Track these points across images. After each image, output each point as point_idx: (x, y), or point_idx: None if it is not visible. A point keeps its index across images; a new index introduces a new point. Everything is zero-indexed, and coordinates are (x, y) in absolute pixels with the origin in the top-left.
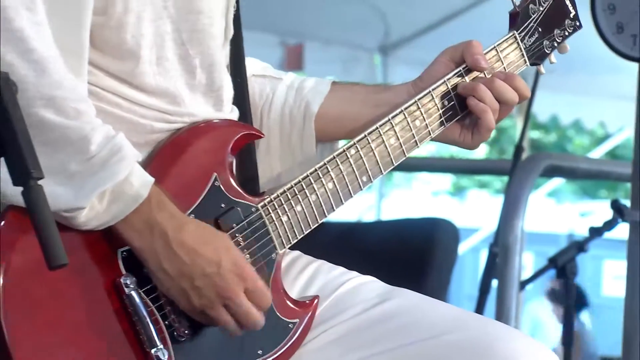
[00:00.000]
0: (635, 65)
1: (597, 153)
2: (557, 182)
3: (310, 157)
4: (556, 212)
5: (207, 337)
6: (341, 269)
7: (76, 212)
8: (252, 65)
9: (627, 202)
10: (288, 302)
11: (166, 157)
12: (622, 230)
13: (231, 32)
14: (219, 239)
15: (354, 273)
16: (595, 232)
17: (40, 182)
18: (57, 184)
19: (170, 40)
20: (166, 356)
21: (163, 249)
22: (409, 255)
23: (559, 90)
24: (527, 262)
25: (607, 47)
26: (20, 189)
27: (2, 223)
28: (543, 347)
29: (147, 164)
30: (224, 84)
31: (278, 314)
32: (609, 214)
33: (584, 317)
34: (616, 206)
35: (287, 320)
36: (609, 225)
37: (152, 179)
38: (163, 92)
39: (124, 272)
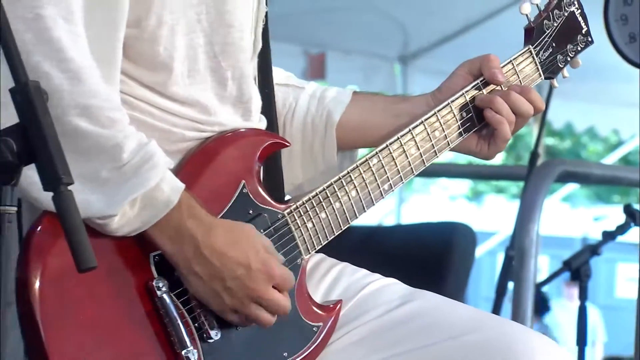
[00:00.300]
0: None
1: (611, 159)
2: (572, 187)
3: (332, 164)
4: (570, 217)
5: (234, 339)
6: (364, 271)
7: (108, 219)
8: (276, 75)
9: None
10: (312, 307)
11: (196, 164)
12: (635, 234)
13: (259, 45)
14: (246, 239)
15: (377, 275)
16: (609, 236)
17: (73, 189)
18: (90, 191)
19: (203, 53)
20: (196, 357)
21: (193, 254)
22: (428, 258)
23: (573, 98)
24: (542, 265)
25: (620, 56)
26: (51, 194)
27: (39, 228)
28: (559, 347)
29: (178, 171)
30: (252, 95)
31: (303, 317)
32: (622, 218)
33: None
34: (629, 211)
35: (311, 323)
36: (622, 229)
37: (183, 185)
38: (194, 102)
39: (155, 275)
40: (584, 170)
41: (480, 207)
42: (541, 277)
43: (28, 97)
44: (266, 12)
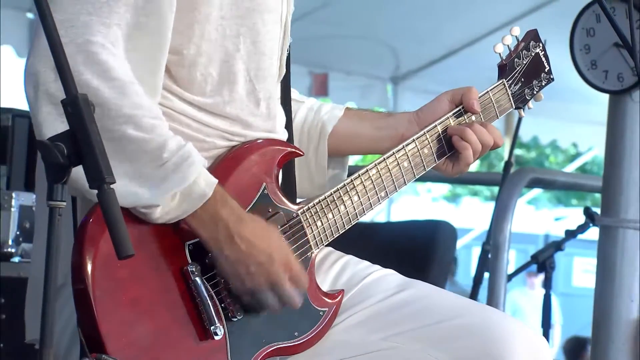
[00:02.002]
0: (605, 95)
1: (570, 168)
2: (536, 191)
3: (323, 168)
4: (534, 217)
5: (254, 319)
6: (366, 262)
7: (152, 208)
8: None
9: (597, 210)
10: (319, 294)
11: (226, 167)
12: (590, 233)
13: (284, 71)
14: (272, 233)
15: (377, 267)
16: (571, 234)
17: (124, 185)
18: (137, 186)
19: (242, 77)
20: (222, 332)
21: (225, 238)
22: (415, 251)
23: (539, 115)
24: (510, 258)
25: (583, 80)
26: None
27: (91, 219)
28: (532, 330)
29: (211, 172)
30: (277, 113)
31: (311, 303)
32: (581, 219)
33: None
34: (588, 213)
35: (318, 308)
36: (582, 228)
37: (216, 180)
38: (230, 117)
39: (190, 261)
40: (550, 177)
41: (458, 207)
42: (509, 269)
43: (78, 107)
44: (290, 43)
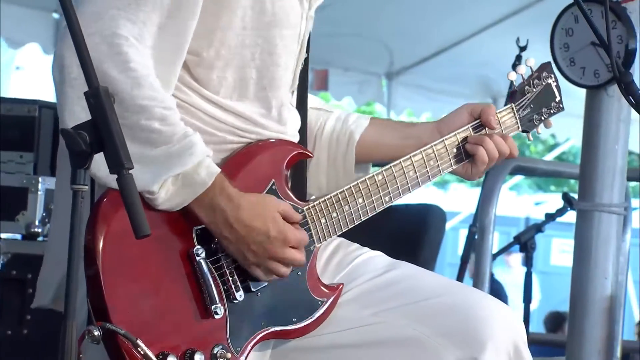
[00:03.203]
0: (582, 90)
1: (549, 157)
2: (518, 178)
3: (350, 174)
4: (516, 201)
5: (254, 302)
6: (356, 245)
7: (155, 194)
8: (313, 101)
9: (574, 195)
10: (320, 285)
11: (239, 162)
12: (568, 216)
13: (297, 82)
14: (267, 210)
15: (366, 249)
16: (550, 217)
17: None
18: (139, 169)
19: (254, 84)
20: (222, 312)
21: (224, 224)
22: (409, 232)
23: None
24: (494, 239)
25: (562, 76)
26: (115, 176)
27: (105, 199)
28: (508, 308)
29: (222, 166)
30: (288, 118)
31: (311, 293)
32: (559, 203)
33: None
34: (567, 198)
35: (317, 298)
36: (561, 212)
37: (218, 170)
38: (241, 115)
39: (196, 244)
40: (531, 165)
41: (446, 193)
42: (494, 249)
43: (99, 99)
44: (305, 58)
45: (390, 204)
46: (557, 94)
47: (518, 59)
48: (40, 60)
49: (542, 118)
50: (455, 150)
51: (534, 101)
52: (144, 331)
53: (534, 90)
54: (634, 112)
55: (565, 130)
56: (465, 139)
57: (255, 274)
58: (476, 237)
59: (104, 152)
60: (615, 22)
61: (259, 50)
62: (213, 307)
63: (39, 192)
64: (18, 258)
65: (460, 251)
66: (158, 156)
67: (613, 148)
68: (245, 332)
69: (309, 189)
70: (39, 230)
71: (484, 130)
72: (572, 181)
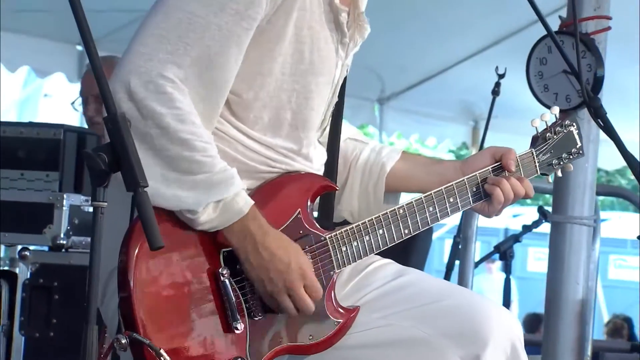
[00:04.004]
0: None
1: None
2: None
3: (379, 201)
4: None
5: (274, 320)
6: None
7: (196, 214)
8: (349, 130)
9: (548, 208)
10: (337, 308)
11: (269, 190)
12: (543, 227)
13: (327, 122)
14: (291, 246)
15: (377, 257)
16: (527, 228)
17: (172, 191)
18: (183, 192)
19: (288, 125)
20: (242, 327)
21: (252, 248)
22: (398, 244)
23: (500, 130)
24: (476, 248)
25: (537, 101)
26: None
27: (139, 222)
28: (507, 310)
29: (253, 193)
30: (315, 156)
31: (328, 314)
32: (535, 216)
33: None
34: (542, 211)
35: (334, 319)
36: (537, 224)
37: (252, 202)
38: (273, 148)
39: (222, 265)
40: None
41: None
42: (476, 257)
43: (117, 124)
44: (337, 102)
45: (410, 236)
46: (578, 140)
47: (497, 85)
48: (65, 88)
49: (562, 163)
50: (474, 189)
51: (554, 147)
52: (167, 342)
53: (555, 137)
54: (602, 133)
55: None
56: (485, 180)
57: (269, 304)
58: (460, 246)
59: (121, 171)
60: (584, 52)
61: (295, 95)
62: (234, 323)
63: (64, 208)
64: (45, 267)
65: (445, 259)
66: (199, 182)
67: (583, 166)
68: (263, 347)
69: (343, 213)
70: (64, 242)
71: (504, 173)
72: (547, 196)
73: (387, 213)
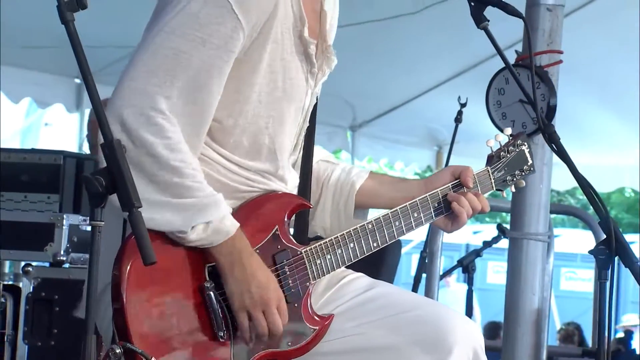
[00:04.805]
0: None
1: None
2: None
3: (350, 217)
4: (458, 231)
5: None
6: (342, 268)
7: (185, 234)
8: (321, 153)
9: (506, 225)
10: (313, 316)
11: (249, 210)
12: (501, 243)
13: (299, 147)
14: (271, 275)
15: (350, 271)
16: (487, 244)
17: (168, 217)
18: (173, 215)
19: (266, 148)
20: (226, 337)
21: (237, 262)
22: (370, 257)
23: (462, 154)
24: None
25: (496, 127)
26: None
27: (130, 240)
28: (469, 320)
29: (235, 212)
30: (290, 179)
31: (305, 322)
32: (494, 232)
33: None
34: (500, 228)
35: (310, 326)
36: (496, 240)
37: (238, 224)
38: (252, 170)
39: (207, 279)
40: None
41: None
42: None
43: (113, 149)
44: (308, 127)
45: (379, 249)
46: (529, 158)
47: (459, 113)
48: (64, 118)
49: (515, 179)
50: (436, 204)
51: (508, 165)
52: (158, 351)
53: (508, 155)
54: (555, 156)
55: None
56: (445, 196)
57: (239, 319)
58: (426, 260)
59: (117, 193)
60: (539, 83)
61: (271, 120)
62: (219, 332)
63: (64, 227)
64: (46, 282)
65: (413, 272)
66: (189, 205)
67: (538, 187)
68: (246, 354)
69: (316, 229)
70: (64, 258)
71: (462, 189)
72: (505, 214)
73: (357, 228)
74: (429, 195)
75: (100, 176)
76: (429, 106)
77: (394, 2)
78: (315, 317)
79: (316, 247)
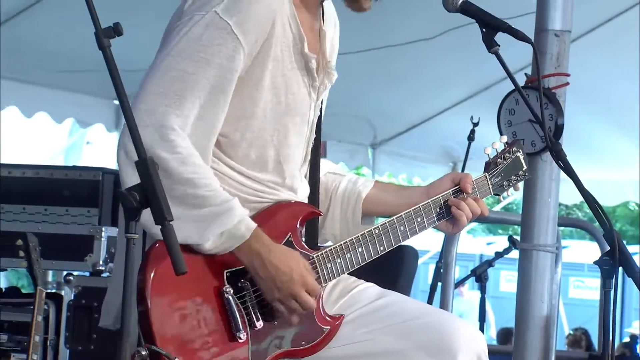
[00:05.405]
0: None
1: (497, 208)
2: (473, 224)
3: (357, 224)
4: (472, 241)
5: (272, 329)
6: (354, 278)
7: (202, 245)
8: (328, 165)
9: (517, 237)
10: (325, 316)
11: (264, 218)
12: (512, 254)
13: (308, 157)
14: (292, 257)
15: (361, 280)
16: (499, 254)
17: (177, 226)
18: (188, 227)
19: (272, 160)
20: (245, 336)
21: (259, 264)
22: (388, 267)
23: (475, 170)
24: (455, 271)
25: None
26: (159, 227)
27: (153, 248)
28: (473, 326)
29: (254, 219)
30: (299, 187)
31: (317, 322)
32: (506, 243)
33: None
34: (511, 239)
35: (322, 326)
36: (507, 251)
37: (255, 225)
38: (261, 182)
39: (226, 284)
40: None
41: (418, 235)
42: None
43: (146, 166)
44: (316, 138)
45: (385, 252)
46: (524, 164)
47: (472, 132)
48: (104, 137)
49: (511, 184)
50: (438, 209)
51: (504, 171)
52: (181, 352)
53: (505, 162)
54: (563, 172)
55: None
56: (446, 201)
57: (277, 308)
58: (442, 270)
59: (150, 207)
60: (547, 103)
61: (276, 134)
62: (237, 333)
63: (102, 239)
64: (86, 290)
65: (429, 281)
66: (204, 216)
67: (547, 201)
68: (264, 352)
69: (327, 236)
70: (102, 268)
71: (462, 195)
72: (516, 226)
73: (364, 233)
74: (431, 201)
75: (135, 192)
76: (444, 125)
77: (411, 29)
78: (327, 318)
79: (327, 252)
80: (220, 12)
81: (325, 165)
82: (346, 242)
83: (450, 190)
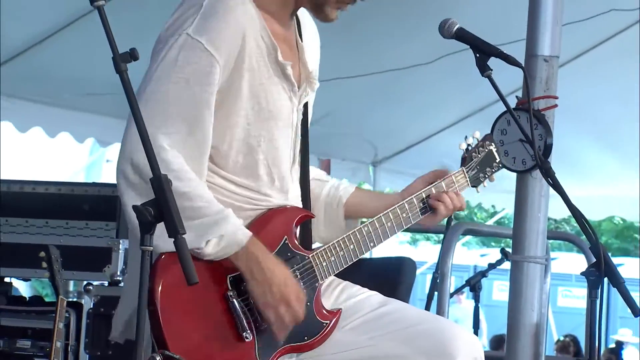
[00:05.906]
0: (514, 173)
1: (490, 222)
2: (468, 237)
3: (340, 227)
4: (466, 253)
5: None
6: (358, 286)
7: (200, 250)
8: (314, 171)
9: (509, 249)
10: (323, 311)
11: (261, 223)
12: (505, 265)
13: (297, 159)
14: (287, 272)
15: (365, 289)
16: (492, 266)
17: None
18: (192, 236)
19: (262, 165)
20: (250, 337)
21: (256, 267)
22: (387, 278)
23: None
24: (450, 282)
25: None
26: (172, 240)
27: (161, 259)
28: (470, 333)
29: (248, 226)
30: (290, 188)
31: (317, 317)
32: (498, 255)
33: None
34: (504, 251)
35: (322, 321)
36: (500, 262)
37: (250, 233)
38: (253, 189)
39: (229, 288)
40: (478, 228)
41: (416, 248)
42: (451, 289)
43: (161, 183)
44: (306, 141)
45: (374, 248)
46: (497, 156)
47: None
48: None
49: (487, 175)
50: (421, 204)
51: (479, 164)
52: (193, 356)
53: (479, 155)
54: (551, 189)
55: (502, 202)
56: (428, 196)
57: (266, 315)
58: (438, 280)
59: (164, 221)
60: (537, 124)
61: (262, 139)
62: (244, 333)
63: (120, 251)
64: (105, 299)
65: (426, 291)
66: (201, 225)
67: (537, 215)
68: (270, 350)
69: (314, 239)
70: (120, 278)
71: (442, 187)
72: (508, 239)
73: (355, 232)
74: (414, 196)
75: (150, 207)
76: (441, 144)
77: (410, 54)
78: (326, 313)
79: (321, 251)
80: (191, 33)
81: (311, 171)
82: (338, 241)
83: (431, 186)
